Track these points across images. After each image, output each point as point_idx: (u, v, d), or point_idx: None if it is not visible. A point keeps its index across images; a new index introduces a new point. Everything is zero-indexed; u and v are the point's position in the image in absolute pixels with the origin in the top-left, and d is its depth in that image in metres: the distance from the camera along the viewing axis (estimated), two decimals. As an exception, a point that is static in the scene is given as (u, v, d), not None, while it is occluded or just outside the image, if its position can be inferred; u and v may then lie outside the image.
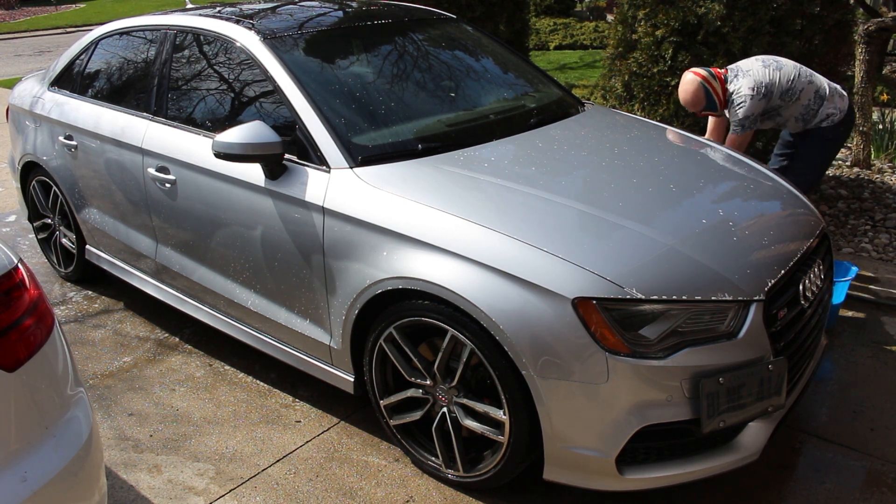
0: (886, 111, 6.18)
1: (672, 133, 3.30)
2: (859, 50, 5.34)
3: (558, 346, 2.12)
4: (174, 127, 3.24)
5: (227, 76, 3.17)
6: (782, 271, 2.35)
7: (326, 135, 2.69)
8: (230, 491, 2.59)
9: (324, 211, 2.60)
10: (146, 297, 3.69)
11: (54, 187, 4.03)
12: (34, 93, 4.18)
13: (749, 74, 3.56)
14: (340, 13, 3.57)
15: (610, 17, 12.70)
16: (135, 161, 3.36)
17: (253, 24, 3.14)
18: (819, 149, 3.72)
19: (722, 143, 3.59)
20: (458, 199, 2.43)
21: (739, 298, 2.19)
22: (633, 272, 2.16)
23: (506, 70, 3.65)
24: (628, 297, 2.10)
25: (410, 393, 2.57)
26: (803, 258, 2.49)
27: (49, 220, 4.29)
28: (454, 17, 3.85)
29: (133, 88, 3.57)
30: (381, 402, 2.65)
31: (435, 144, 2.77)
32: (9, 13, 23.95)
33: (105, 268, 3.89)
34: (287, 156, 2.74)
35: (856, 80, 5.45)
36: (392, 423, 2.66)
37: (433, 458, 2.57)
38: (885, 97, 6.64)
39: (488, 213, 2.35)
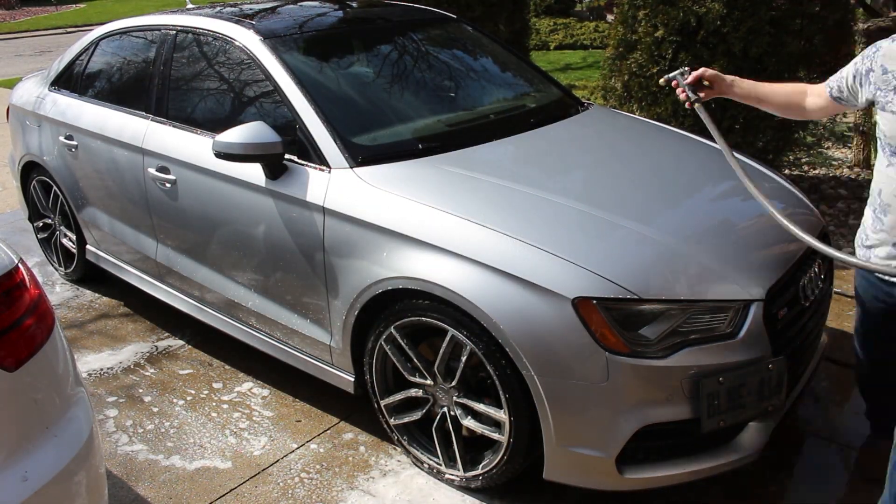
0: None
1: (672, 133, 3.30)
2: (859, 50, 5.33)
3: (558, 345, 2.12)
4: (174, 127, 3.24)
5: (227, 76, 3.17)
6: (783, 271, 2.35)
7: (327, 135, 2.69)
8: (230, 490, 2.59)
9: (324, 211, 2.60)
10: (146, 297, 3.68)
11: (55, 187, 4.03)
12: (35, 93, 4.18)
13: None
14: (340, 13, 3.57)
15: (610, 18, 12.69)
16: (135, 161, 3.36)
17: (253, 24, 3.13)
18: None
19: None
20: (459, 199, 2.43)
21: (740, 298, 2.19)
22: (633, 272, 2.16)
23: (505, 70, 3.65)
24: (628, 296, 2.10)
25: (410, 393, 2.57)
26: (803, 258, 2.49)
27: (49, 220, 4.29)
28: (454, 16, 3.84)
29: (133, 88, 3.57)
30: (382, 402, 2.65)
31: (435, 144, 2.77)
32: (9, 13, 23.96)
33: (105, 268, 3.89)
34: (287, 156, 2.74)
35: (856, 79, 5.44)
36: (392, 422, 2.66)
37: (433, 458, 2.57)
38: None
39: (488, 213, 2.35)
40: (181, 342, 3.59)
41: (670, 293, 2.14)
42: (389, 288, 2.42)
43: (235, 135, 2.64)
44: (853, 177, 5.39)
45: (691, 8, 4.22)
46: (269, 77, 2.90)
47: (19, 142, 4.27)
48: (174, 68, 3.36)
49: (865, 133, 5.50)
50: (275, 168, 2.73)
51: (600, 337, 2.10)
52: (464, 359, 2.34)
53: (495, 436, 2.37)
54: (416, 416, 2.58)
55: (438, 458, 2.55)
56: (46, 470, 1.62)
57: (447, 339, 2.36)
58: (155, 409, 3.06)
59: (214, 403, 3.09)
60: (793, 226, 2.05)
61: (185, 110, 3.26)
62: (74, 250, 4.11)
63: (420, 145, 2.75)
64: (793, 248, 2.48)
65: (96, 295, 4.13)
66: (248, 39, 3.05)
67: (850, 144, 5.95)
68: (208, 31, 3.25)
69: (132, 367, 3.40)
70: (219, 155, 2.68)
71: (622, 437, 2.14)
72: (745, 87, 2.46)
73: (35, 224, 4.43)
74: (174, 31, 3.42)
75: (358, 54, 3.29)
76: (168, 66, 3.38)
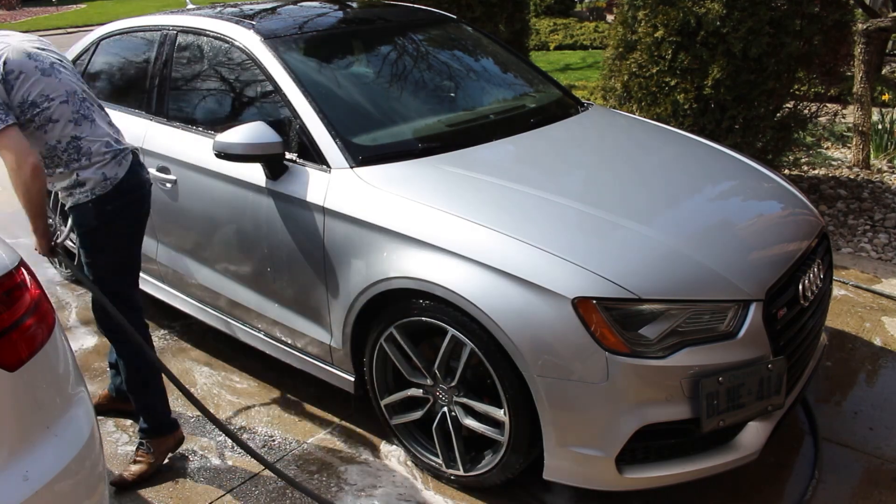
0: (886, 111, 6.19)
1: (672, 133, 3.30)
2: (858, 50, 5.34)
3: (558, 345, 2.13)
4: (175, 127, 3.25)
5: (227, 76, 3.18)
6: (782, 271, 2.35)
7: (327, 135, 2.69)
8: (230, 491, 2.59)
9: (324, 211, 2.60)
10: (147, 297, 3.68)
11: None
12: (35, 93, 4.18)
13: None
14: (341, 13, 3.57)
15: (610, 18, 12.70)
16: (135, 161, 3.36)
17: (253, 25, 3.14)
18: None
19: None
20: (459, 199, 2.43)
21: (739, 298, 2.20)
22: (633, 272, 2.16)
23: (505, 70, 3.65)
24: (628, 296, 2.11)
25: (411, 392, 2.58)
26: (803, 258, 2.50)
27: (50, 221, 4.29)
28: (454, 17, 3.85)
29: (134, 88, 3.57)
30: (382, 402, 2.66)
31: (435, 144, 2.78)
32: (10, 13, 23.97)
33: (106, 268, 3.89)
34: (288, 156, 2.75)
35: (855, 80, 5.46)
36: (392, 422, 2.66)
37: (433, 458, 2.58)
38: (886, 97, 6.64)
39: (488, 213, 2.35)
40: (181, 342, 3.60)
41: (670, 293, 2.14)
42: (390, 288, 2.43)
43: (236, 135, 2.64)
44: (852, 177, 5.39)
45: (691, 8, 4.22)
46: (269, 77, 2.91)
47: (20, 142, 4.27)
48: (175, 68, 3.37)
49: (865, 133, 5.50)
50: (275, 168, 2.74)
51: (600, 337, 2.10)
52: (464, 358, 2.35)
53: (495, 435, 2.37)
54: (417, 415, 2.58)
55: (439, 457, 2.55)
56: (47, 469, 1.62)
57: (447, 338, 2.37)
58: (155, 409, 3.06)
59: (213, 403, 3.09)
60: None
61: (186, 110, 3.27)
62: (75, 251, 4.11)
63: (420, 145, 2.75)
64: (792, 247, 2.48)
65: (96, 295, 4.13)
66: (248, 40, 3.05)
67: (849, 145, 5.96)
68: (209, 31, 3.26)
69: (132, 367, 3.39)
70: (219, 155, 2.68)
71: (622, 437, 2.15)
72: None
73: (35, 224, 4.42)
74: (175, 32, 3.42)
75: (358, 55, 3.29)
76: (168, 66, 3.38)
